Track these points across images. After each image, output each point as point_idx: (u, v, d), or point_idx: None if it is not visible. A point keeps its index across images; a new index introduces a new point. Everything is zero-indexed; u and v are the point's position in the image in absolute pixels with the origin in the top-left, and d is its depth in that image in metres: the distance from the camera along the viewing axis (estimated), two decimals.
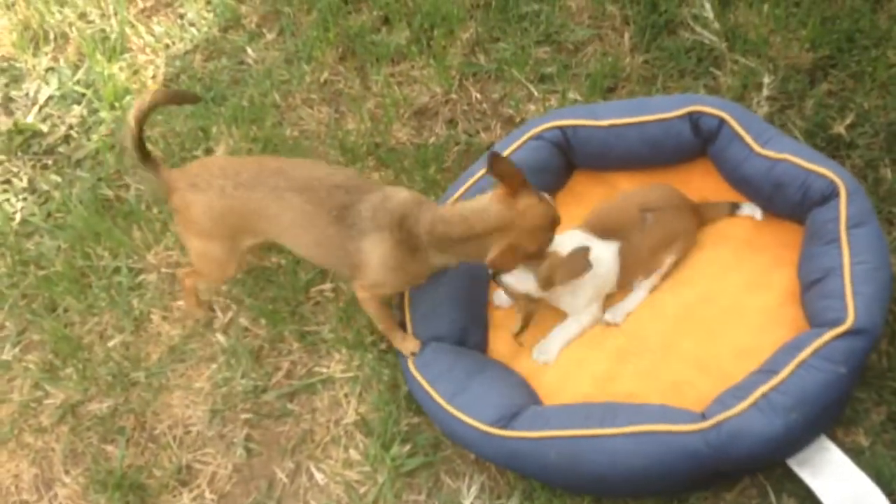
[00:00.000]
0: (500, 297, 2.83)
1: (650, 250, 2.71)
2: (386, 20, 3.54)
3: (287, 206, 2.51)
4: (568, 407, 2.53)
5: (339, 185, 2.52)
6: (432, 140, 3.25)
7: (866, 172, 2.87)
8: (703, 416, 2.33)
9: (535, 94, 3.26)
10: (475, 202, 2.45)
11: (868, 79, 3.03)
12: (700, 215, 2.79)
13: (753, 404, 2.29)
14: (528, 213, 2.40)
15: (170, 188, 2.61)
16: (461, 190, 2.86)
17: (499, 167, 2.39)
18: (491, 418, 2.47)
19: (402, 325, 2.77)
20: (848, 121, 2.94)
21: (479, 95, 3.32)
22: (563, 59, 3.32)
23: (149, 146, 2.66)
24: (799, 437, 2.34)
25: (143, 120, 2.54)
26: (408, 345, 2.71)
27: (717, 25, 3.24)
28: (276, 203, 2.53)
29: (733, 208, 2.79)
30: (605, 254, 2.68)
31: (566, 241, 2.62)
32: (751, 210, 2.77)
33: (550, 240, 2.51)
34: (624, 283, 2.74)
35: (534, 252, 2.45)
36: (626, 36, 3.32)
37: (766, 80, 3.07)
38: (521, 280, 2.61)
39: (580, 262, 2.54)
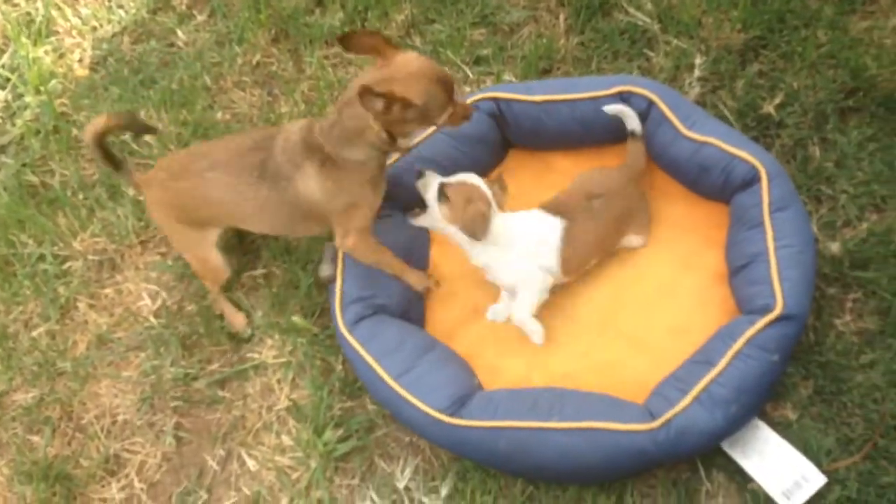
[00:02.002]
0: (493, 312, 2.76)
1: (599, 235, 2.66)
2: (319, 2, 3.49)
3: (213, 184, 2.49)
4: (515, 393, 2.52)
5: (250, 146, 2.48)
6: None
7: (795, 151, 2.90)
8: (650, 413, 2.34)
9: (471, 75, 3.24)
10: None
11: (798, 59, 3.06)
12: (642, 178, 2.76)
13: (696, 399, 2.31)
14: (402, 62, 2.30)
15: (137, 187, 2.69)
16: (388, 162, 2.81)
17: (359, 41, 2.30)
18: (443, 404, 2.44)
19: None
20: (777, 100, 2.97)
21: None
22: (498, 41, 3.30)
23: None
24: (737, 427, 2.38)
25: (101, 140, 2.52)
26: (423, 281, 2.72)
27: (650, 7, 3.24)
28: (204, 185, 2.49)
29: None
30: (545, 227, 2.62)
31: (523, 220, 2.60)
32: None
33: (440, 97, 2.33)
34: (574, 268, 2.67)
35: (420, 105, 2.28)
36: (562, 18, 3.31)
37: (698, 60, 3.08)
38: (427, 217, 2.62)
39: (477, 206, 2.50)
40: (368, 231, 2.58)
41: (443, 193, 2.54)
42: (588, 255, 2.68)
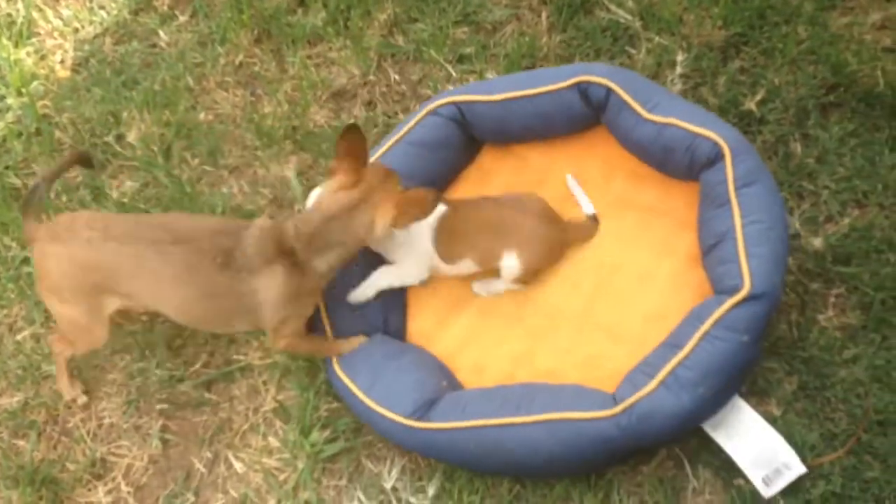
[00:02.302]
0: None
1: (476, 233, 2.65)
2: (301, 1, 3.48)
3: (168, 259, 2.36)
4: (486, 391, 2.52)
5: (219, 230, 2.39)
6: (351, 122, 3.20)
7: (777, 147, 2.92)
8: (615, 399, 2.34)
9: (454, 74, 3.24)
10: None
11: (779, 55, 3.08)
12: (566, 233, 2.74)
13: (662, 382, 2.30)
14: (372, 176, 2.40)
15: (30, 239, 2.44)
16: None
17: (350, 142, 2.38)
18: (408, 410, 2.44)
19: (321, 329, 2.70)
20: (759, 97, 2.98)
21: (397, 77, 3.29)
22: (481, 40, 3.30)
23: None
24: (708, 409, 2.37)
25: (51, 183, 2.52)
26: (352, 344, 2.63)
27: (631, 4, 3.25)
28: (157, 257, 2.36)
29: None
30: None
31: None
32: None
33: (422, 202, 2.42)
34: (446, 254, 2.67)
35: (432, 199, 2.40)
36: (544, 15, 3.31)
37: (680, 57, 3.10)
38: None
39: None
40: (303, 331, 2.58)
41: None
42: (457, 247, 2.66)
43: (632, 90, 2.68)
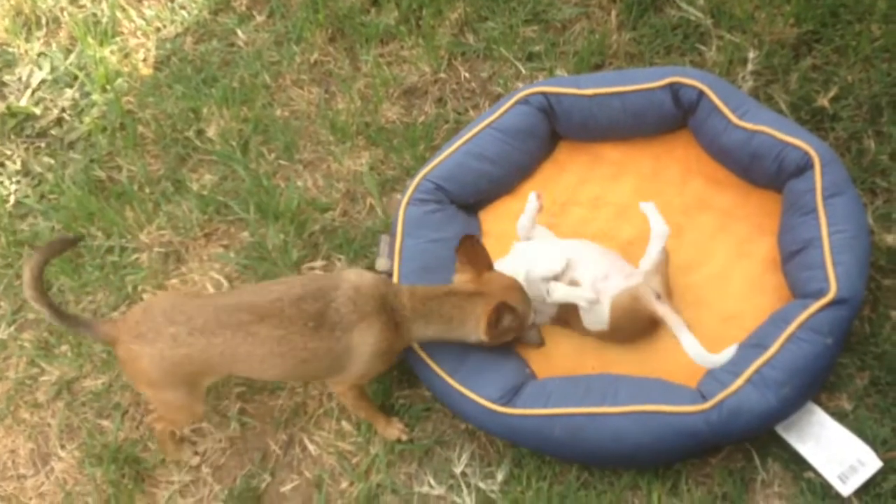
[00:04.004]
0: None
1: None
2: (375, 1, 3.56)
3: (258, 339, 2.37)
4: (567, 380, 2.57)
5: (301, 296, 2.40)
6: (421, 119, 3.28)
7: (850, 144, 2.91)
8: (701, 395, 2.38)
9: (523, 71, 3.29)
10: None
11: (851, 52, 3.07)
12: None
13: (748, 381, 2.34)
14: (496, 280, 2.50)
15: (112, 340, 2.44)
16: (439, 158, 2.89)
17: (467, 251, 2.50)
18: (494, 395, 2.51)
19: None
20: (831, 94, 2.98)
21: (467, 74, 3.35)
22: (550, 38, 3.35)
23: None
24: (790, 409, 2.40)
25: (38, 285, 2.37)
26: (393, 431, 2.68)
27: (702, 2, 3.27)
28: (247, 340, 2.36)
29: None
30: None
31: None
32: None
33: (529, 304, 2.53)
34: None
35: (522, 314, 2.47)
36: (613, 14, 3.34)
37: (751, 55, 3.10)
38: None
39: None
40: (362, 388, 2.63)
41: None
42: None
43: (723, 96, 2.73)
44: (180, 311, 2.39)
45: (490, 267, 2.53)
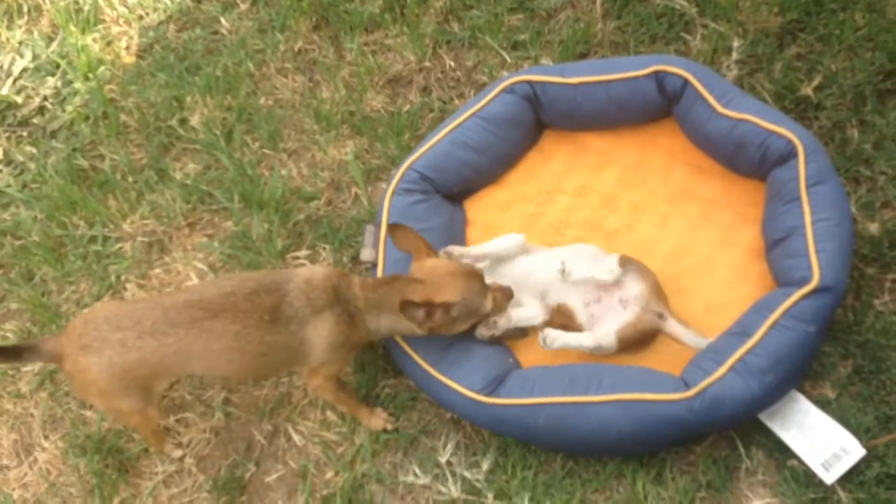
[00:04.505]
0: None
1: None
2: None
3: (213, 335, 2.33)
4: (551, 370, 2.56)
5: (255, 289, 2.39)
6: (406, 108, 3.27)
7: (833, 133, 2.92)
8: (685, 383, 2.39)
9: (508, 60, 3.28)
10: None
11: (835, 41, 3.07)
12: None
13: (731, 369, 2.35)
14: (440, 266, 2.47)
15: (58, 357, 2.38)
16: (424, 148, 2.88)
17: (400, 240, 2.51)
18: (477, 385, 2.50)
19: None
20: (815, 83, 2.98)
21: (452, 63, 3.34)
22: (535, 26, 3.34)
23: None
24: (773, 397, 2.41)
25: None
26: (377, 421, 2.68)
27: None
28: (202, 337, 2.33)
29: None
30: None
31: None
32: None
33: (476, 287, 2.48)
34: None
35: (460, 301, 2.42)
36: (598, 2, 3.33)
37: (736, 44, 3.10)
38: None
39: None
40: (336, 376, 2.60)
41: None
42: None
43: (708, 84, 2.73)
44: (126, 315, 2.35)
45: (432, 252, 2.50)
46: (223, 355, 2.36)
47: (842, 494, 2.39)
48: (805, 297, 2.39)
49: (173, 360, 2.35)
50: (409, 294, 2.39)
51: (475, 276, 2.49)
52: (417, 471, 2.62)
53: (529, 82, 2.90)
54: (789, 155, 2.59)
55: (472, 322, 2.54)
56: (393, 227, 2.55)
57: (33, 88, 3.55)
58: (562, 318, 2.61)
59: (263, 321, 2.34)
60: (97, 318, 2.36)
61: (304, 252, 3.00)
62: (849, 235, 2.49)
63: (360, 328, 2.45)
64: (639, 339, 2.54)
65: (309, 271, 2.46)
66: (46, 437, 2.83)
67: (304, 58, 3.45)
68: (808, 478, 2.42)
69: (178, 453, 2.75)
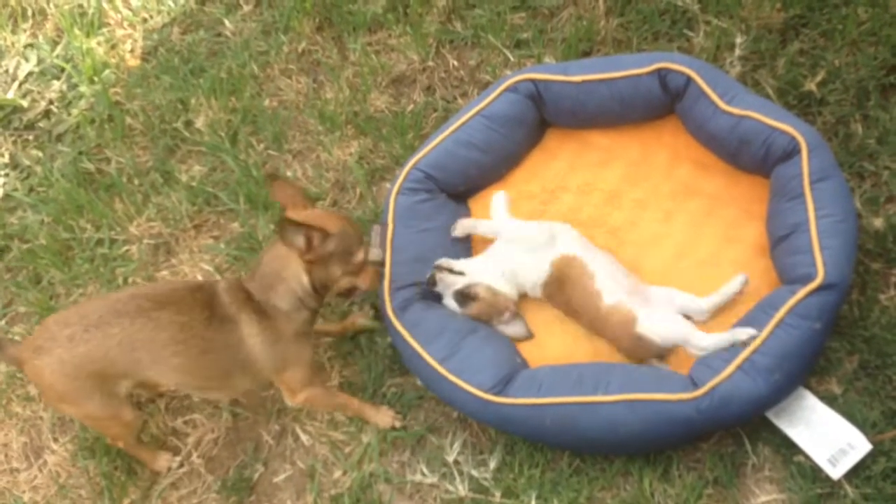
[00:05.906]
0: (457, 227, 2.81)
1: None
2: None
3: (159, 324, 2.34)
4: (558, 369, 2.57)
5: (196, 287, 2.43)
6: (410, 107, 3.27)
7: (837, 128, 2.91)
8: (693, 382, 2.39)
9: (512, 59, 3.29)
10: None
11: (838, 37, 3.07)
12: None
13: (739, 367, 2.35)
14: (314, 211, 2.45)
15: (19, 362, 2.40)
16: (428, 147, 2.88)
17: (277, 192, 2.44)
18: (486, 384, 2.51)
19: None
20: (819, 78, 2.98)
21: (455, 62, 3.35)
22: (538, 25, 3.34)
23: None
24: (781, 395, 2.41)
25: None
26: (385, 418, 2.67)
27: None
28: (147, 325, 2.33)
29: None
30: None
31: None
32: None
33: (353, 232, 2.45)
34: None
35: (338, 233, 2.37)
36: (601, 0, 3.34)
37: (739, 40, 3.10)
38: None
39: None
40: (316, 382, 2.58)
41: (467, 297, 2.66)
42: None
43: (711, 81, 2.72)
44: (74, 312, 2.38)
45: (308, 205, 2.45)
46: (168, 346, 2.35)
47: (848, 490, 2.40)
48: (810, 294, 2.38)
49: (118, 351, 2.33)
50: (289, 225, 2.31)
51: (351, 222, 2.48)
52: (425, 469, 2.63)
53: (533, 81, 2.90)
54: (793, 151, 2.58)
55: (346, 271, 2.45)
56: (271, 177, 2.54)
57: (39, 92, 3.57)
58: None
59: (204, 316, 2.36)
60: (49, 322, 2.39)
61: None
62: (853, 231, 2.48)
63: (279, 318, 2.41)
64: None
65: (225, 281, 2.47)
66: (56, 440, 2.85)
67: (308, 59, 3.46)
68: (814, 473, 2.42)
69: (174, 462, 2.75)
